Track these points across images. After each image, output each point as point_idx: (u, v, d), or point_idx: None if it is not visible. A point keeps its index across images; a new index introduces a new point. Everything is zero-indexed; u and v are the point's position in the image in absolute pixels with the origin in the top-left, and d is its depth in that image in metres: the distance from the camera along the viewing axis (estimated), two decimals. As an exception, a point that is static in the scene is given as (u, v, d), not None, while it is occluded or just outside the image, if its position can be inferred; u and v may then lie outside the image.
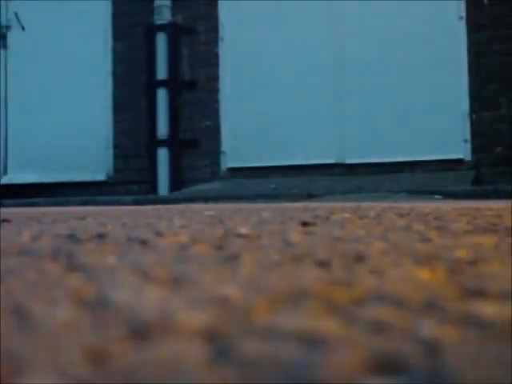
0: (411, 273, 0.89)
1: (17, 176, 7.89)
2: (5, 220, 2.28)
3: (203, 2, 7.46)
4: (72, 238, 1.47)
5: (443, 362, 0.49)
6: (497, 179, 6.29)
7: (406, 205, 3.37)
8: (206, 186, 6.80)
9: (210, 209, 3.10)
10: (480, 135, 6.61)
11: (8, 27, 8.04)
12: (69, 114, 7.74)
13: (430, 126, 6.62)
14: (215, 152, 7.34)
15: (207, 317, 0.63)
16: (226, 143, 7.27)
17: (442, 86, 6.62)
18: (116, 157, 7.70)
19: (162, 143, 7.36)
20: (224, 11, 7.34)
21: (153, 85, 7.43)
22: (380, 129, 6.78)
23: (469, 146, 6.63)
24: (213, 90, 7.36)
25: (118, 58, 7.69)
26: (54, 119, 7.80)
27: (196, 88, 7.42)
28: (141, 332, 0.58)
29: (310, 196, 5.41)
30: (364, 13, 6.86)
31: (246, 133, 7.09)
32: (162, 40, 7.44)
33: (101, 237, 1.49)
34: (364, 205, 3.30)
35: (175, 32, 7.46)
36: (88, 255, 1.15)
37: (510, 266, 0.94)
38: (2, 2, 8.05)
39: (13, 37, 8.00)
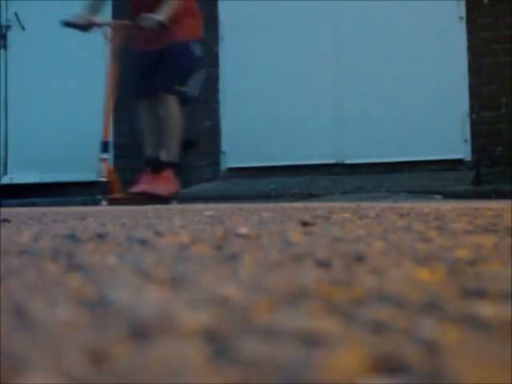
0: (411, 273, 0.89)
1: (17, 176, 7.89)
2: (5, 220, 2.28)
3: (203, 2, 7.47)
4: (72, 237, 1.46)
5: (443, 362, 0.49)
6: (497, 179, 6.29)
7: (405, 205, 3.37)
8: (206, 186, 6.80)
9: (209, 209, 3.10)
10: (480, 135, 6.61)
11: (8, 27, 8.04)
12: (69, 114, 7.74)
13: (430, 125, 6.63)
14: (215, 152, 7.35)
15: (207, 317, 0.63)
16: (226, 143, 7.28)
17: (441, 86, 6.62)
18: (116, 157, 7.70)
19: (162, 143, 7.35)
20: (224, 11, 7.34)
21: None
22: (380, 129, 6.79)
23: (469, 146, 6.63)
24: (213, 90, 7.36)
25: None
26: (54, 119, 7.79)
27: (196, 88, 7.42)
28: (141, 332, 0.58)
29: (310, 196, 5.41)
30: (364, 13, 6.86)
31: (246, 133, 7.10)
32: (162, 40, 7.43)
33: (101, 237, 1.49)
34: (364, 205, 3.30)
35: (175, 32, 7.45)
36: (88, 255, 1.15)
37: (510, 265, 0.94)
38: (2, 2, 8.05)
39: (13, 37, 8.00)
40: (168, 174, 5.26)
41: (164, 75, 5.20)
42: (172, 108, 5.21)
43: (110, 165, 5.44)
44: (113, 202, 5.10)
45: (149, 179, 5.24)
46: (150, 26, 5.09)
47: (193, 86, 5.32)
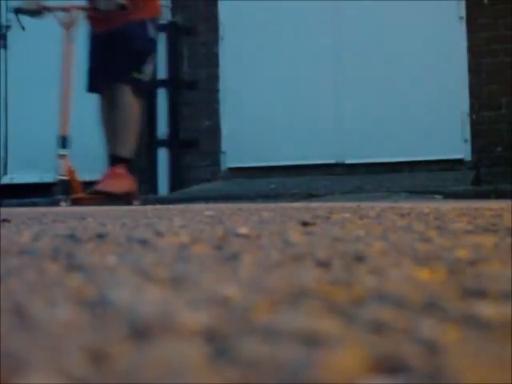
0: (411, 273, 0.89)
1: (17, 176, 7.89)
2: (5, 220, 2.28)
3: (203, 2, 7.47)
4: (72, 237, 1.46)
5: (443, 362, 0.49)
6: (497, 179, 6.29)
7: (405, 205, 3.37)
8: (206, 186, 6.80)
9: (209, 209, 3.10)
10: (480, 135, 6.61)
11: (8, 27, 8.04)
12: (69, 114, 7.73)
13: (429, 125, 6.63)
14: (215, 152, 7.35)
15: (207, 317, 0.63)
16: (226, 143, 7.28)
17: (442, 86, 6.62)
18: (116, 157, 7.69)
19: (162, 143, 7.36)
20: (224, 11, 7.34)
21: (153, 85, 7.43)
22: (380, 129, 6.78)
23: (469, 146, 6.63)
24: (213, 90, 7.36)
25: (118, 58, 7.69)
26: (54, 119, 7.79)
27: (196, 88, 7.42)
28: (141, 332, 0.58)
29: (310, 196, 5.41)
30: (364, 13, 6.86)
31: (246, 133, 7.10)
32: (161, 40, 7.44)
33: (101, 237, 1.49)
34: (364, 205, 3.30)
35: (175, 32, 7.46)
36: (88, 255, 1.15)
37: (510, 265, 0.94)
38: (2, 2, 8.05)
39: (13, 37, 8.00)
40: (120, 170, 4.87)
41: (119, 62, 4.75)
42: (128, 99, 4.78)
43: (70, 162, 5.02)
44: (74, 202, 4.70)
45: (104, 177, 4.90)
46: (109, 8, 4.68)
47: (147, 73, 4.86)
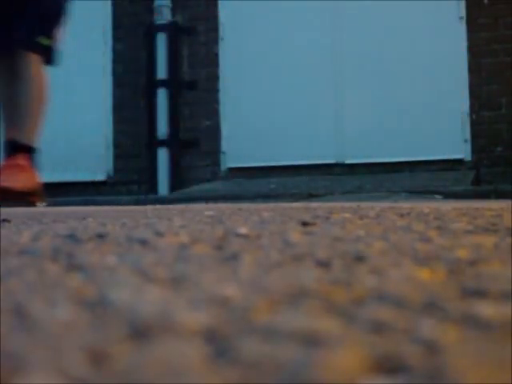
0: (411, 273, 0.89)
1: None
2: (5, 220, 2.27)
3: (203, 2, 7.47)
4: (72, 237, 1.46)
5: (443, 362, 0.49)
6: (497, 179, 6.29)
7: (405, 205, 3.37)
8: (206, 186, 6.81)
9: (210, 209, 3.10)
10: (480, 135, 6.62)
11: (8, 27, 8.03)
12: (68, 114, 7.74)
13: (429, 125, 6.63)
14: (215, 152, 7.35)
15: (207, 317, 0.63)
16: (226, 143, 7.28)
17: (441, 86, 6.63)
18: (116, 157, 7.70)
19: (162, 143, 7.37)
20: (224, 11, 7.34)
21: (153, 85, 7.44)
22: (380, 129, 6.79)
23: (469, 146, 6.64)
24: (213, 90, 7.37)
25: (117, 58, 7.70)
26: (53, 119, 7.79)
27: (196, 88, 7.43)
28: (141, 332, 0.58)
29: (310, 196, 5.41)
30: (364, 13, 6.86)
31: (246, 133, 7.10)
32: (162, 40, 7.45)
33: (101, 237, 1.49)
34: (364, 205, 3.30)
35: (175, 32, 7.46)
36: (88, 255, 1.15)
37: (510, 265, 0.94)
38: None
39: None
40: (22, 161, 3.93)
41: (24, 24, 3.72)
42: (33, 72, 3.78)
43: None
44: None
45: (1, 169, 3.90)
46: None
47: (57, 39, 3.86)
